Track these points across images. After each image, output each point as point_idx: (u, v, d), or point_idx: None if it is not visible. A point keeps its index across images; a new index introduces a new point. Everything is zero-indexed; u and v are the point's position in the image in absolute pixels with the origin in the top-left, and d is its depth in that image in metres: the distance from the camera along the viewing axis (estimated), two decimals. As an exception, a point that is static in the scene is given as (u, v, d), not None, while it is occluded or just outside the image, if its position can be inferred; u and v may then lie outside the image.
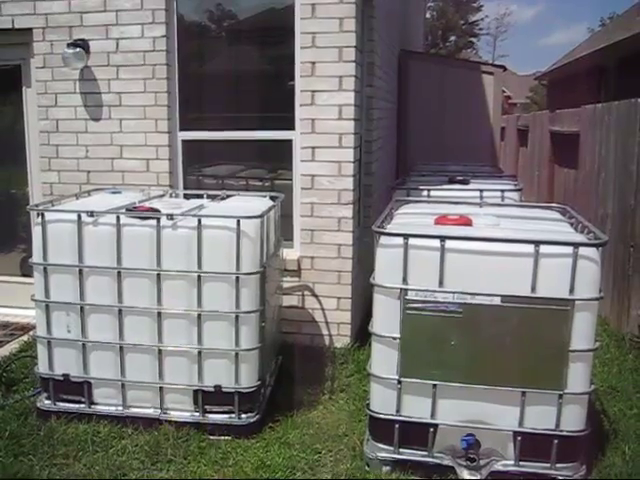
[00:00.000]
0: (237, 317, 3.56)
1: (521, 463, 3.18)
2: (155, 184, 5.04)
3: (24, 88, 5.46)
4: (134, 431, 3.65)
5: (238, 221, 3.49)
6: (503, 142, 13.89)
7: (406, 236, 3.12)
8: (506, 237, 3.12)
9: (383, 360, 3.26)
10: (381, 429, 3.34)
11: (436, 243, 3.08)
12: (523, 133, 12.43)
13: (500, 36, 46.81)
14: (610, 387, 4.35)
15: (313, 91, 4.70)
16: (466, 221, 3.41)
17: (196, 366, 3.62)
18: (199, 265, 3.53)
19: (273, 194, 4.43)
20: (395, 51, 8.16)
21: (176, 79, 5.04)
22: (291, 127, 4.84)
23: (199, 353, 3.61)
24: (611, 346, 5.12)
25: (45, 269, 3.70)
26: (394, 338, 3.19)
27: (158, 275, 3.58)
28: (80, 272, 3.65)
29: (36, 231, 3.70)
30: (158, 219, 3.57)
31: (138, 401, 3.74)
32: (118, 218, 3.59)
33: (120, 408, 3.75)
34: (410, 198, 4.62)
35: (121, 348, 3.68)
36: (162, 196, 4.51)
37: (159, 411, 3.71)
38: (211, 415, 3.67)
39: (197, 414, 3.68)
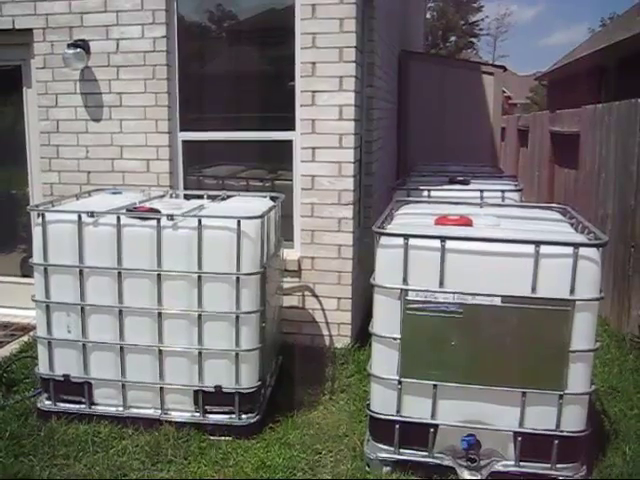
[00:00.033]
0: (237, 317, 3.56)
1: (521, 463, 3.18)
2: (155, 184, 5.05)
3: (24, 89, 5.46)
4: (134, 431, 3.65)
5: (238, 221, 3.49)
6: (503, 142, 13.89)
7: (406, 236, 3.12)
8: (506, 237, 3.11)
9: (383, 360, 3.27)
10: (381, 429, 3.34)
11: (436, 243, 3.08)
12: (523, 133, 12.43)
13: (500, 36, 46.99)
14: (610, 387, 4.35)
15: (313, 91, 4.70)
16: (466, 221, 3.41)
17: (196, 366, 3.63)
18: (199, 265, 3.53)
19: (273, 194, 4.43)
20: (395, 51, 8.16)
21: (176, 80, 5.05)
22: (291, 127, 4.84)
23: (199, 353, 3.61)
24: (611, 346, 5.12)
25: (45, 269, 3.70)
26: (394, 338, 3.19)
27: (158, 275, 3.58)
28: (80, 272, 3.65)
29: (36, 231, 3.70)
30: (158, 219, 3.57)
31: (138, 401, 3.74)
32: (118, 218, 3.59)
33: (120, 408, 3.75)
34: (410, 198, 4.62)
35: (121, 348, 3.68)
36: (162, 196, 4.51)
37: (159, 411, 3.71)
38: (211, 415, 3.67)
39: (197, 414, 3.68)
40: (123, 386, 3.72)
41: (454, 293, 3.08)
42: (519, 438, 3.16)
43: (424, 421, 3.23)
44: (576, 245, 3.00)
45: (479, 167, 6.95)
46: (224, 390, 3.63)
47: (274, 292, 4.21)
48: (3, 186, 5.97)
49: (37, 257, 3.70)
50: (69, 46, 4.97)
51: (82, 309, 3.68)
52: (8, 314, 5.55)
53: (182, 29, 5.01)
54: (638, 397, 4.21)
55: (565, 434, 3.12)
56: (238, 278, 3.53)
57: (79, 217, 3.62)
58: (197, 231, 3.51)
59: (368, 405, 3.42)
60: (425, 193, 4.90)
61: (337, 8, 4.57)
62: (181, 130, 5.10)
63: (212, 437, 3.61)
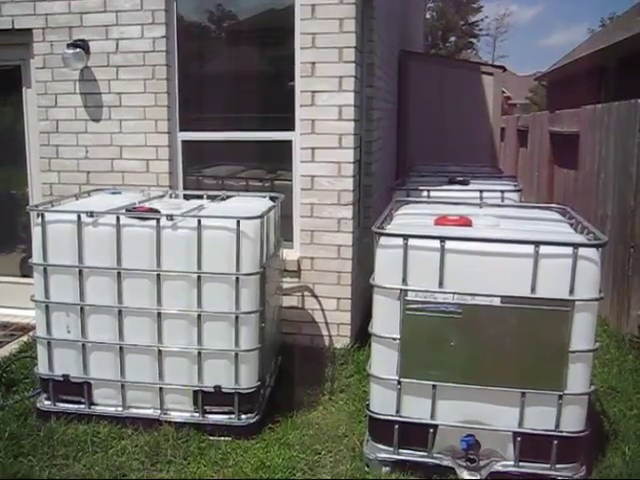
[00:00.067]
0: (237, 318, 3.56)
1: (521, 464, 3.18)
2: (155, 185, 5.05)
3: (24, 89, 5.46)
4: (134, 432, 3.65)
5: (238, 222, 3.49)
6: (503, 143, 13.90)
7: (406, 237, 3.12)
8: (506, 238, 3.12)
9: (383, 361, 3.27)
10: (381, 430, 3.34)
11: (436, 244, 3.08)
12: (523, 134, 12.43)
13: (500, 37, 46.97)
14: (610, 388, 4.35)
15: (313, 92, 4.70)
16: (466, 222, 3.41)
17: (196, 367, 3.62)
18: (199, 266, 3.53)
19: (273, 195, 4.43)
20: (395, 52, 8.16)
21: (176, 80, 5.05)
22: (291, 128, 4.84)
23: (199, 354, 3.61)
24: (611, 347, 5.12)
25: (45, 269, 3.70)
26: (394, 339, 3.19)
27: (158, 276, 3.58)
28: (80, 273, 3.65)
29: (36, 231, 3.70)
30: (158, 220, 3.57)
31: (138, 402, 3.74)
32: (118, 219, 3.59)
33: (120, 409, 3.75)
34: (410, 199, 4.62)
35: (121, 349, 3.68)
36: (162, 197, 4.51)
37: (159, 412, 3.71)
38: (211, 416, 3.67)
39: (197, 415, 3.68)
40: (122, 386, 3.72)
41: (453, 293, 3.08)
42: (518, 438, 3.16)
43: (423, 421, 3.23)
44: (575, 245, 3.00)
45: (478, 167, 6.95)
46: (223, 390, 3.63)
47: (273, 292, 4.21)
48: (3, 186, 5.97)
49: (36, 257, 3.70)
50: (69, 46, 4.97)
51: (81, 309, 3.68)
52: (7, 314, 5.55)
53: (182, 29, 5.01)
54: (637, 397, 4.21)
55: (564, 434, 3.12)
56: (237, 278, 3.52)
57: (78, 217, 3.62)
58: (197, 231, 3.51)
59: (367, 405, 3.42)
60: (425, 193, 4.90)
61: (337, 8, 4.57)
62: (181, 130, 5.10)
63: (211, 437, 3.61)
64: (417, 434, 3.24)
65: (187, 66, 5.09)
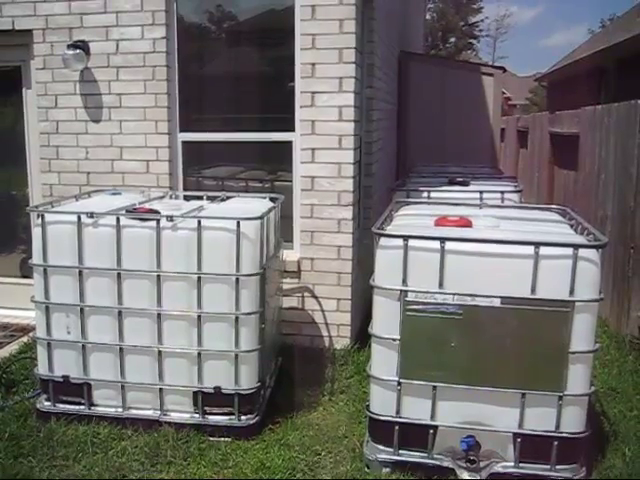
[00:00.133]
0: (237, 318, 3.56)
1: (521, 465, 3.18)
2: (155, 185, 5.05)
3: (24, 89, 5.46)
4: (134, 432, 3.65)
5: (238, 222, 3.49)
6: (503, 143, 13.89)
7: (406, 237, 3.12)
8: (506, 239, 3.12)
9: (383, 362, 3.26)
10: (381, 431, 3.34)
11: (436, 245, 3.08)
12: (523, 134, 12.43)
13: (500, 37, 46.96)
14: (610, 389, 4.34)
15: (313, 92, 4.70)
16: (466, 222, 3.41)
17: (196, 367, 3.62)
18: (199, 266, 3.53)
19: (273, 195, 4.43)
20: (395, 52, 8.17)
21: (176, 80, 5.05)
22: (291, 128, 4.85)
23: (199, 354, 3.61)
24: (611, 347, 5.12)
25: (45, 270, 3.70)
26: (394, 339, 3.19)
27: (158, 276, 3.58)
28: (80, 273, 3.65)
29: (36, 232, 3.70)
30: (158, 220, 3.57)
31: (138, 402, 3.74)
32: (118, 219, 3.59)
33: (120, 409, 3.75)
34: (410, 199, 4.62)
35: (121, 349, 3.68)
36: (162, 197, 4.51)
37: (159, 412, 3.71)
38: (211, 416, 3.67)
39: (197, 415, 3.68)
40: (122, 387, 3.72)
41: (454, 294, 3.08)
42: (519, 439, 3.15)
43: (424, 422, 3.23)
44: (576, 246, 3.00)
45: (479, 168, 6.95)
46: (223, 391, 3.62)
47: (274, 293, 4.21)
48: (3, 187, 5.97)
49: (36, 258, 3.70)
50: (69, 47, 4.97)
51: (81, 310, 3.68)
52: (8, 315, 5.55)
53: (182, 30, 5.01)
54: (638, 398, 4.20)
55: (565, 435, 3.12)
56: (237, 279, 3.52)
57: (79, 218, 3.61)
58: (197, 232, 3.51)
59: (367, 406, 3.42)
60: (425, 194, 4.90)
61: (337, 9, 4.57)
62: (181, 131, 5.10)
63: (211, 438, 3.60)
64: (417, 435, 3.24)
65: (187, 67, 5.09)
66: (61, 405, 3.79)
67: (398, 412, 3.25)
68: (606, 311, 5.63)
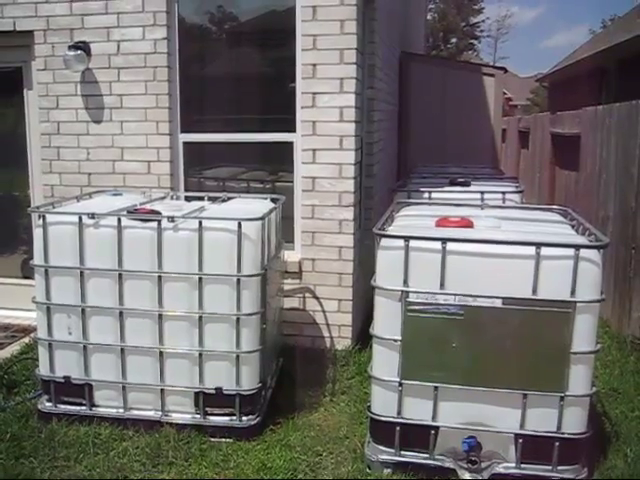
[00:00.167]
0: (238, 319, 3.56)
1: (522, 465, 3.18)
2: (156, 186, 5.05)
3: (25, 90, 5.46)
4: (135, 433, 3.65)
5: (239, 223, 3.49)
6: (504, 144, 13.89)
7: (407, 238, 3.12)
8: (507, 239, 3.11)
9: (384, 362, 3.26)
10: (382, 431, 3.33)
11: (437, 245, 3.08)
12: (524, 135, 12.43)
13: (501, 38, 46.87)
14: (612, 389, 4.34)
15: (314, 93, 4.70)
16: (467, 223, 3.41)
17: (197, 368, 3.62)
18: (200, 267, 3.53)
19: (274, 196, 4.43)
20: (396, 53, 8.17)
21: (177, 81, 5.05)
22: (292, 129, 4.85)
23: (200, 355, 3.61)
24: (612, 348, 5.11)
25: (46, 271, 3.70)
26: (395, 340, 3.18)
27: (159, 277, 3.58)
28: (81, 274, 3.65)
29: (37, 233, 3.70)
30: (159, 221, 3.57)
31: (139, 403, 3.74)
32: (119, 220, 3.59)
33: (121, 410, 3.74)
34: (411, 200, 4.62)
35: (122, 350, 3.68)
36: (163, 198, 4.51)
37: (160, 413, 3.71)
38: (212, 417, 3.67)
39: (198, 416, 3.67)
40: (124, 388, 3.72)
41: (455, 295, 3.08)
42: (520, 440, 3.15)
43: (425, 423, 3.23)
44: (577, 247, 3.00)
45: (480, 169, 6.95)
46: (225, 392, 3.62)
47: (275, 294, 4.21)
48: (4, 188, 5.98)
49: (38, 259, 3.71)
50: (70, 48, 4.98)
51: (83, 311, 3.68)
52: (9, 316, 5.55)
53: (183, 31, 5.01)
54: (639, 399, 4.20)
55: (566, 436, 3.12)
56: (239, 280, 3.52)
57: (80, 219, 3.62)
58: (198, 233, 3.51)
59: (369, 407, 3.41)
60: (426, 195, 4.90)
61: (338, 10, 4.57)
62: (182, 132, 5.10)
63: (213, 439, 3.60)
64: (418, 436, 3.24)
65: (188, 68, 5.09)
66: (62, 406, 3.79)
67: (399, 413, 3.25)
68: (607, 312, 5.63)
